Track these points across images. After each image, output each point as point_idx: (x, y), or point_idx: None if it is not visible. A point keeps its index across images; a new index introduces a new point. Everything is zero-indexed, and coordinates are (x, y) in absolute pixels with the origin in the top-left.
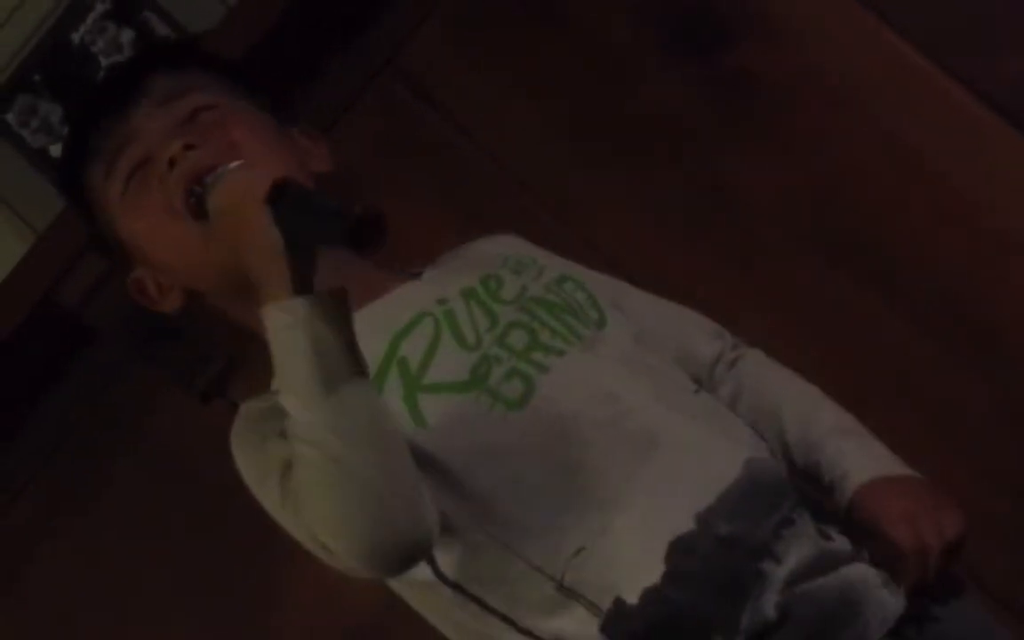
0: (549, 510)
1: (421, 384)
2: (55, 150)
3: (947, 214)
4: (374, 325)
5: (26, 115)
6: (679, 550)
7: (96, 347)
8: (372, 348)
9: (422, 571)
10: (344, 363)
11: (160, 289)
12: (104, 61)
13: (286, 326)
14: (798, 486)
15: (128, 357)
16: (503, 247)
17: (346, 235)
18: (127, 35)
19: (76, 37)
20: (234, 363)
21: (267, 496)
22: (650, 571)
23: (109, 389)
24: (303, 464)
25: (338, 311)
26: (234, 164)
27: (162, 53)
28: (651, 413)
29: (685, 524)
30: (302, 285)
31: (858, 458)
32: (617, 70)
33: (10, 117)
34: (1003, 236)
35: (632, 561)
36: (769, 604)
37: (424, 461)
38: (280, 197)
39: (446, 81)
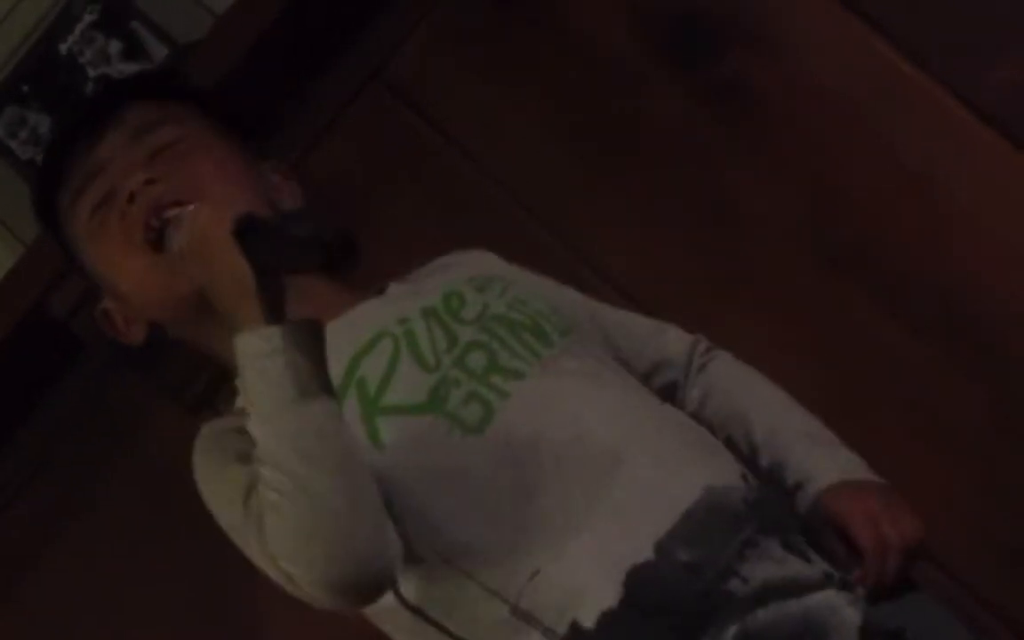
0: (505, 533)
1: (379, 405)
2: None
3: (942, 220)
4: (334, 344)
5: (14, 126)
6: (637, 578)
7: (90, 355)
8: (332, 367)
9: (385, 596)
10: (315, 391)
11: (126, 321)
12: (92, 72)
13: (261, 354)
14: (763, 511)
15: (117, 368)
16: (473, 265)
17: (318, 262)
18: (115, 46)
19: (64, 48)
20: (223, 376)
21: (227, 517)
22: (607, 595)
23: (104, 396)
24: (268, 488)
25: (312, 339)
26: (191, 206)
27: (138, 84)
28: (613, 431)
29: (644, 553)
30: (274, 314)
31: (823, 462)
32: (614, 79)
33: None
34: (998, 242)
35: (588, 585)
36: (728, 635)
37: (380, 482)
38: (247, 230)
39: (437, 90)
